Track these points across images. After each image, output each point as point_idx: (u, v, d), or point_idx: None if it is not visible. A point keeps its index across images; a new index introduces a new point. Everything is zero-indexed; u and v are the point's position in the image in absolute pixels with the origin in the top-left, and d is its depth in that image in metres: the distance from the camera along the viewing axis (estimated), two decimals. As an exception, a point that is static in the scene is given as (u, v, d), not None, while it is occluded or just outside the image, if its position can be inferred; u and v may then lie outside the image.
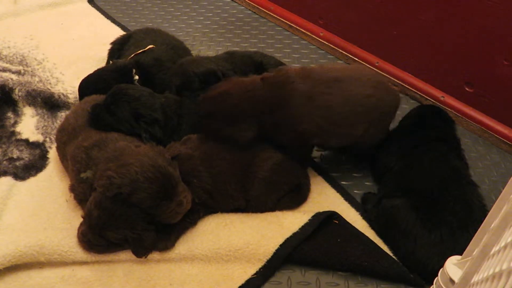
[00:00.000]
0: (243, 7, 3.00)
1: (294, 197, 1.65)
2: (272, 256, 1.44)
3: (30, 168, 1.75)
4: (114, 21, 2.77)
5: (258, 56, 2.09)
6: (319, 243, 1.48)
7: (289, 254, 1.45)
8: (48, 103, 2.04)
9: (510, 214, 0.89)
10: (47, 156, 1.82)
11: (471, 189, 1.51)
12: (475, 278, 0.98)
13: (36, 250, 1.38)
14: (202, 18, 2.87)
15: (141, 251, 1.41)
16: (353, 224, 1.56)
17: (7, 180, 1.68)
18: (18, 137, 1.90)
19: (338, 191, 1.72)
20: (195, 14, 2.92)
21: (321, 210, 1.58)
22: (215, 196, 1.54)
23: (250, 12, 2.96)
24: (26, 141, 1.88)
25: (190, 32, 2.71)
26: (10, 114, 2.00)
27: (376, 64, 2.34)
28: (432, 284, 1.26)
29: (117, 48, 2.21)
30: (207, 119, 1.59)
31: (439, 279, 1.22)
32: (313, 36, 2.62)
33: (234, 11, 2.97)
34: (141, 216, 1.36)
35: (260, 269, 1.43)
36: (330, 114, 1.57)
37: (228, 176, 1.55)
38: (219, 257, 1.45)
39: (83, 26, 2.71)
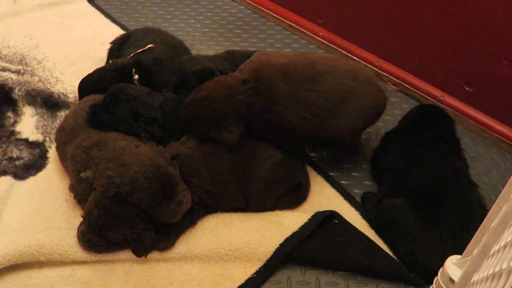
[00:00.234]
0: (243, 7, 3.00)
1: (294, 196, 1.65)
2: (272, 256, 1.44)
3: (30, 167, 1.75)
4: (113, 20, 2.76)
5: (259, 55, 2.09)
6: (319, 242, 1.48)
7: (289, 254, 1.45)
8: (48, 102, 2.04)
9: (510, 214, 0.89)
10: (47, 155, 1.82)
11: (471, 188, 1.51)
12: (475, 278, 0.98)
13: (36, 249, 1.38)
14: (201, 17, 2.87)
15: (141, 250, 1.41)
16: (353, 224, 1.56)
17: (7, 179, 1.68)
18: (18, 136, 1.89)
19: (338, 191, 1.72)
20: (194, 13, 2.91)
21: (321, 210, 1.58)
22: (214, 195, 1.54)
23: (250, 11, 2.96)
24: (26, 140, 1.88)
25: (189, 32, 2.71)
26: (9, 114, 2.00)
27: (376, 63, 2.34)
28: (432, 283, 1.26)
29: (117, 48, 2.21)
30: (191, 124, 1.59)
31: (439, 279, 1.22)
32: (313, 35, 2.62)
33: (234, 10, 2.97)
34: (141, 215, 1.36)
35: (260, 268, 1.43)
36: (314, 109, 1.58)
37: (228, 175, 1.55)
38: (219, 257, 1.45)
39: (83, 25, 2.71)
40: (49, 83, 2.16)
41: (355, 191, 1.74)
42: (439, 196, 1.47)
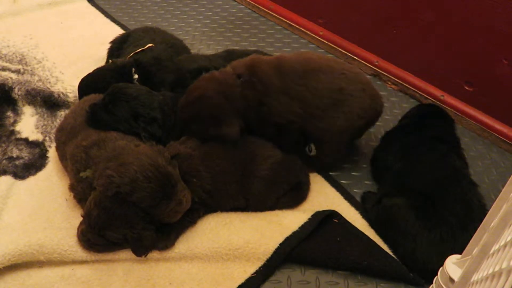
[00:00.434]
0: (242, 6, 3.00)
1: (294, 196, 1.65)
2: (272, 255, 1.44)
3: (30, 167, 1.75)
4: (113, 20, 2.77)
5: (259, 54, 2.09)
6: (318, 242, 1.48)
7: (289, 253, 1.45)
8: (48, 102, 2.04)
9: (509, 213, 0.89)
10: (47, 155, 1.82)
11: (471, 188, 1.51)
12: (475, 277, 0.98)
13: (36, 249, 1.38)
14: (201, 17, 2.87)
15: (141, 250, 1.40)
16: (353, 223, 1.56)
17: (7, 179, 1.68)
18: (18, 136, 1.89)
19: (338, 190, 1.72)
20: (194, 13, 2.91)
21: (321, 209, 1.58)
22: (214, 195, 1.54)
23: (249, 11, 2.96)
24: (26, 140, 1.88)
25: (189, 31, 2.71)
26: (9, 113, 2.00)
27: (376, 63, 2.34)
28: (432, 283, 1.26)
29: (116, 47, 2.21)
30: (189, 125, 1.59)
31: (438, 278, 1.22)
32: (313, 35, 2.62)
33: (234, 10, 2.97)
34: (141, 215, 1.36)
35: (260, 268, 1.43)
36: (305, 105, 1.58)
37: (227, 175, 1.55)
38: (219, 256, 1.45)
39: (83, 25, 2.71)
40: (49, 82, 2.16)
41: (355, 190, 1.74)
42: (439, 195, 1.47)
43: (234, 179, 1.55)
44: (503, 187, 1.03)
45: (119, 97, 1.64)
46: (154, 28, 2.24)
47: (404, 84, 2.25)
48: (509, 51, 1.81)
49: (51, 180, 1.70)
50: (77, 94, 1.92)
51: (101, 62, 2.25)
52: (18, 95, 2.03)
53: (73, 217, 1.53)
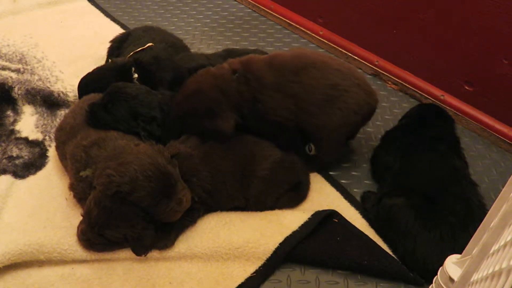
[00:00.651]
0: (242, 6, 3.00)
1: (294, 195, 1.65)
2: (271, 255, 1.44)
3: (30, 166, 1.75)
4: (113, 19, 2.76)
5: (257, 54, 2.09)
6: (318, 241, 1.48)
7: (289, 253, 1.45)
8: (48, 101, 2.04)
9: (509, 213, 0.89)
10: (47, 154, 1.82)
11: (471, 188, 1.51)
12: (475, 277, 0.98)
13: (36, 248, 1.38)
14: (201, 16, 2.87)
15: (141, 249, 1.41)
16: (353, 223, 1.56)
17: (7, 178, 1.68)
18: (18, 135, 1.89)
19: (337, 190, 1.72)
20: (194, 12, 2.91)
21: (320, 209, 1.58)
22: (214, 194, 1.54)
23: (249, 10, 2.96)
24: (26, 139, 1.88)
25: (189, 31, 2.71)
26: (9, 113, 2.00)
27: (376, 62, 2.34)
28: (432, 282, 1.26)
29: (116, 47, 2.21)
30: (186, 118, 1.59)
31: (438, 278, 1.22)
32: (313, 34, 2.62)
33: (234, 9, 2.96)
34: (141, 214, 1.36)
35: (259, 267, 1.43)
36: (298, 101, 1.58)
37: (227, 175, 1.55)
38: (218, 256, 1.45)
39: (83, 24, 2.70)
40: (49, 82, 2.16)
41: (355, 190, 1.74)
42: (439, 195, 1.47)
43: (234, 179, 1.55)
44: (503, 187, 1.03)
45: (118, 96, 1.63)
46: (154, 28, 2.24)
47: (404, 83, 2.25)
48: (509, 51, 1.81)
49: (51, 180, 1.70)
50: (77, 94, 1.92)
51: (101, 62, 2.25)
52: (18, 94, 2.03)
53: (73, 217, 1.53)
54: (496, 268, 0.78)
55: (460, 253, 1.19)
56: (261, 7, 2.88)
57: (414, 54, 2.18)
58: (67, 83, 2.14)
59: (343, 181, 1.78)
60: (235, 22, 2.82)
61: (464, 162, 1.64)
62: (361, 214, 1.63)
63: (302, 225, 1.50)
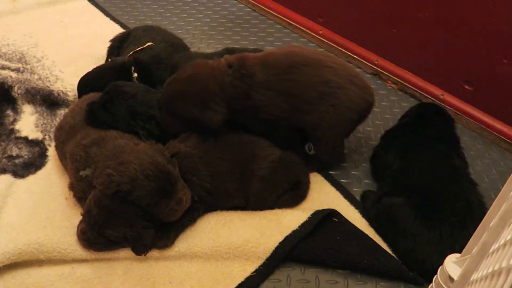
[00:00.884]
0: (242, 5, 3.00)
1: (294, 195, 1.65)
2: (271, 254, 1.44)
3: (29, 166, 1.75)
4: (113, 18, 2.76)
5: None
6: (318, 241, 1.48)
7: (289, 252, 1.45)
8: (47, 100, 2.04)
9: (509, 212, 0.89)
10: (46, 154, 1.82)
11: (471, 187, 1.51)
12: (475, 276, 0.98)
13: (36, 248, 1.38)
14: (201, 15, 2.87)
15: (141, 249, 1.41)
16: (353, 222, 1.56)
17: (6, 178, 1.68)
18: (18, 134, 1.89)
19: (337, 189, 1.72)
20: (194, 11, 2.91)
21: (320, 208, 1.58)
22: (214, 194, 1.54)
23: (249, 9, 2.95)
24: (25, 139, 1.87)
25: (189, 30, 2.71)
26: (9, 112, 2.00)
27: (376, 62, 2.34)
28: (432, 282, 1.26)
29: (116, 46, 2.21)
30: (175, 101, 1.57)
31: (438, 277, 1.22)
32: (313, 34, 2.62)
33: (234, 8, 2.96)
34: (141, 214, 1.36)
35: (259, 267, 1.43)
36: (290, 99, 1.58)
37: (227, 174, 1.55)
38: (218, 255, 1.45)
39: (82, 23, 2.70)
40: (49, 81, 2.16)
41: (354, 189, 1.74)
42: (439, 194, 1.47)
43: (234, 178, 1.55)
44: (502, 186, 1.02)
45: (117, 95, 1.63)
46: (154, 27, 2.23)
47: (404, 83, 2.25)
48: (509, 51, 1.81)
49: (51, 179, 1.70)
50: (76, 93, 1.92)
51: (101, 61, 2.25)
52: (18, 94, 2.03)
53: (72, 216, 1.53)
54: (496, 267, 0.78)
55: (460, 252, 1.19)
56: (261, 6, 2.88)
57: (414, 54, 2.18)
58: (66, 83, 2.14)
59: (343, 180, 1.78)
60: (235, 22, 2.82)
61: (464, 162, 1.64)
62: (360, 214, 1.63)
63: (302, 224, 1.50)
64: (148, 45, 2.02)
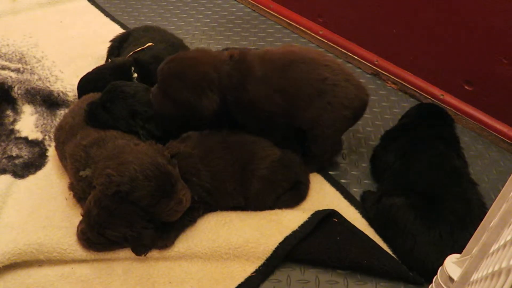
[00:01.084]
0: (242, 5, 3.00)
1: (294, 195, 1.65)
2: (271, 254, 1.44)
3: (29, 166, 1.75)
4: (113, 19, 2.76)
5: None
6: (318, 241, 1.48)
7: (289, 252, 1.45)
8: (47, 101, 2.04)
9: (509, 213, 0.89)
10: (46, 154, 1.82)
11: (470, 187, 1.51)
12: (475, 276, 0.98)
13: (36, 248, 1.38)
14: (201, 16, 2.87)
15: (141, 249, 1.41)
16: (353, 222, 1.56)
17: (6, 178, 1.68)
18: (17, 135, 1.89)
19: (337, 189, 1.72)
20: (194, 12, 2.91)
21: (320, 208, 1.58)
22: (214, 194, 1.54)
23: (249, 10, 2.95)
24: (25, 139, 1.87)
25: (189, 30, 2.71)
26: (9, 112, 2.00)
27: (376, 62, 2.34)
28: (431, 282, 1.26)
29: (116, 46, 2.21)
30: (170, 81, 1.56)
31: (438, 277, 1.22)
32: (313, 34, 2.62)
33: (234, 9, 2.96)
34: (141, 214, 1.36)
35: (259, 267, 1.44)
36: (286, 96, 1.58)
37: (227, 174, 1.55)
38: (218, 255, 1.45)
39: (82, 24, 2.70)
40: (49, 81, 2.16)
41: (354, 189, 1.74)
42: (439, 194, 1.47)
43: (234, 178, 1.55)
44: (502, 186, 1.03)
45: (117, 95, 1.64)
46: (154, 27, 2.24)
47: (404, 83, 2.25)
48: (509, 51, 1.81)
49: (51, 179, 1.70)
50: (76, 93, 1.92)
51: (101, 61, 2.25)
52: (18, 94, 2.03)
53: (72, 216, 1.53)
54: (496, 268, 0.78)
55: (459, 252, 1.19)
56: (260, 6, 2.88)
57: (414, 54, 2.18)
58: (66, 83, 2.14)
59: (342, 180, 1.78)
60: (235, 22, 2.82)
61: (464, 162, 1.64)
62: (360, 214, 1.63)
63: (302, 224, 1.50)
64: (148, 45, 2.01)
